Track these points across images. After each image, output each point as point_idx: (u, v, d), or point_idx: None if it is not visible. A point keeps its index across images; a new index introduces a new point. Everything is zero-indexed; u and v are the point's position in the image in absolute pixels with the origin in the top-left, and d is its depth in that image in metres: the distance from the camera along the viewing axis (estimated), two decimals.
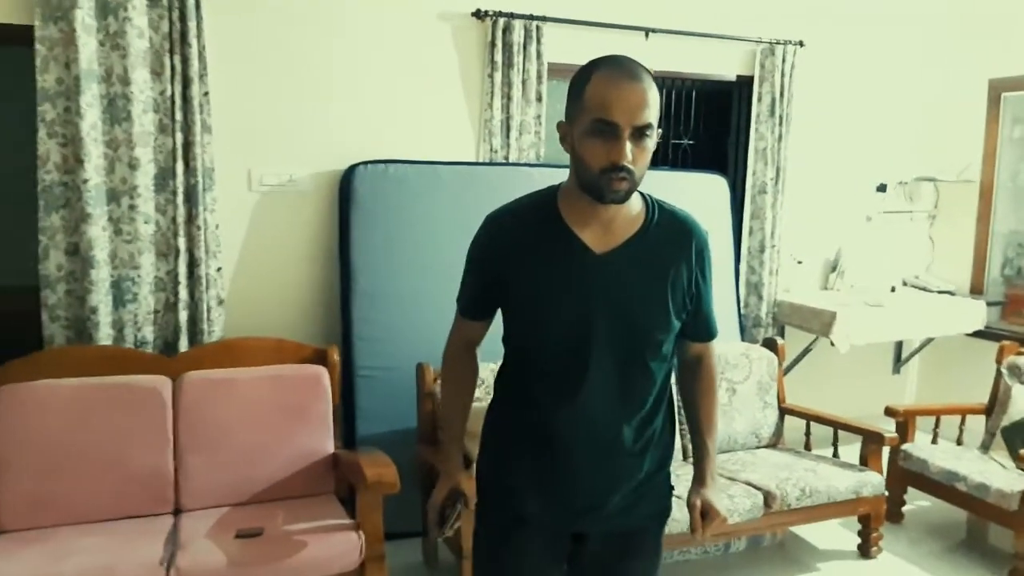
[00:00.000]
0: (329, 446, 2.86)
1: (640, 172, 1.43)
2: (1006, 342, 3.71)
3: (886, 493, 3.16)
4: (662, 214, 1.55)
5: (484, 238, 1.58)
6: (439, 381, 1.71)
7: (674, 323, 1.55)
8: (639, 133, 1.39)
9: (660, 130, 1.45)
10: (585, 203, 1.47)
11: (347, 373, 3.13)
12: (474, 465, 1.72)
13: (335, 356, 3.00)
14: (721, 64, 3.97)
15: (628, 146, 1.39)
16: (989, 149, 4.29)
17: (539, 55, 3.46)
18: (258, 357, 2.91)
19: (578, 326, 1.50)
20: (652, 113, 1.40)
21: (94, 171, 2.81)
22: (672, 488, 1.69)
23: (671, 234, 1.54)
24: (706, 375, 1.70)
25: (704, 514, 1.62)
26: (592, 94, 1.40)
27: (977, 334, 4.12)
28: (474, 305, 1.64)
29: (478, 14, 3.37)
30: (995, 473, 3.15)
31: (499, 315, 1.61)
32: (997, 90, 4.24)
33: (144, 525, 2.53)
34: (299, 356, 2.98)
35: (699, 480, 1.67)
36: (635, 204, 1.52)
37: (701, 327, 1.63)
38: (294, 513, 2.62)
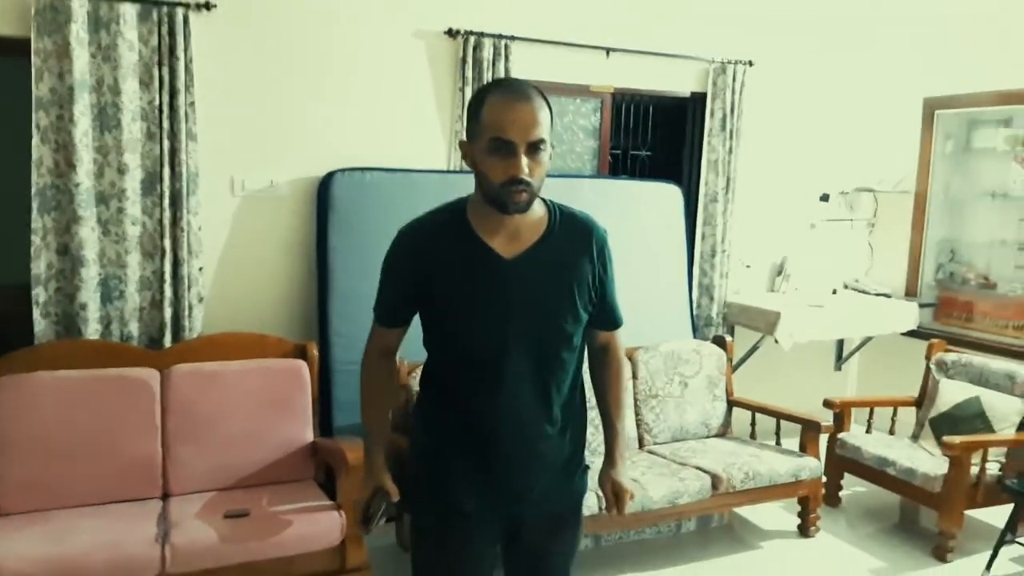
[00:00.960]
0: (309, 435, 3.05)
1: (538, 182, 1.54)
2: (935, 340, 4.04)
3: (823, 478, 3.45)
4: (563, 217, 1.66)
5: (399, 250, 1.65)
6: (362, 383, 1.78)
7: (582, 316, 1.66)
8: (533, 148, 1.51)
9: (553, 145, 1.57)
10: (492, 213, 1.57)
11: (324, 367, 3.31)
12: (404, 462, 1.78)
13: (314, 351, 3.19)
14: (677, 81, 4.23)
15: (524, 160, 1.50)
16: (923, 162, 4.63)
17: (507, 71, 3.68)
18: (242, 351, 3.08)
19: (494, 327, 1.59)
20: (544, 129, 1.52)
21: (85, 175, 2.96)
22: (588, 467, 1.80)
23: (573, 235, 1.66)
24: (613, 362, 1.81)
25: (616, 492, 1.75)
26: (488, 115, 1.51)
27: (911, 333, 4.44)
28: (390, 314, 1.70)
29: (451, 32, 3.59)
30: (922, 459, 3.45)
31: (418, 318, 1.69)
32: (931, 108, 4.58)
33: (136, 508, 2.69)
34: (280, 351, 3.16)
35: (609, 461, 1.79)
36: (538, 210, 1.63)
37: (607, 317, 1.75)
38: (277, 496, 2.80)
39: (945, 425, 3.63)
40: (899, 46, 4.62)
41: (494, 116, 1.51)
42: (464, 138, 1.62)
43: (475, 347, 1.62)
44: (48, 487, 2.65)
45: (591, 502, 2.79)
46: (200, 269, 3.22)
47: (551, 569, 1.79)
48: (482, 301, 1.60)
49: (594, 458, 1.99)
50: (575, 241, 1.66)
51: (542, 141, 1.52)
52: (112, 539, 2.40)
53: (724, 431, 3.74)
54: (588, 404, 1.81)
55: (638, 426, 3.56)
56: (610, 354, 1.82)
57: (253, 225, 3.38)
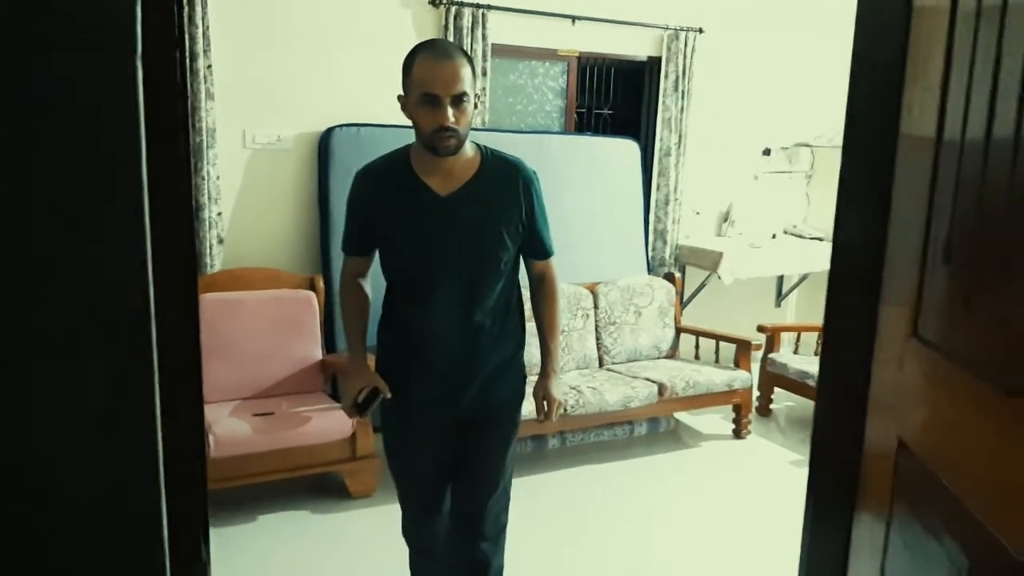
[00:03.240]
0: (318, 353, 3.59)
1: (464, 129, 1.73)
2: None
3: (756, 391, 4.07)
4: (495, 160, 1.87)
5: (355, 191, 1.89)
6: (341, 303, 2.03)
7: (508, 244, 1.86)
8: (457, 100, 1.69)
9: (478, 95, 1.76)
10: (428, 156, 1.78)
11: (328, 298, 3.83)
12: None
13: (321, 283, 3.71)
14: (635, 46, 4.73)
15: (450, 111, 1.69)
16: None
17: (484, 37, 4.16)
18: (259, 284, 3.59)
19: (431, 253, 1.82)
20: (466, 84, 1.70)
21: None
22: (525, 377, 2.04)
23: (502, 175, 1.86)
24: (547, 287, 2.02)
25: (547, 400, 2.00)
26: (417, 72, 1.71)
27: None
28: (353, 245, 1.95)
29: (433, 2, 4.05)
30: None
31: None
32: None
33: None
34: (293, 283, 3.67)
35: (543, 374, 2.03)
36: (470, 153, 1.84)
37: (537, 247, 1.96)
38: (295, 402, 3.34)
39: None
40: (833, 14, 5.14)
41: (422, 73, 1.71)
42: (401, 93, 1.81)
43: (413, 270, 1.85)
44: None
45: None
46: (219, 214, 3.69)
47: (487, 460, 2.01)
48: (419, 231, 1.81)
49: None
50: (504, 180, 1.86)
51: (464, 94, 1.71)
52: None
53: (672, 353, 4.34)
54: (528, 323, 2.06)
55: (598, 348, 4.14)
56: (544, 282, 2.02)
57: (263, 175, 3.86)
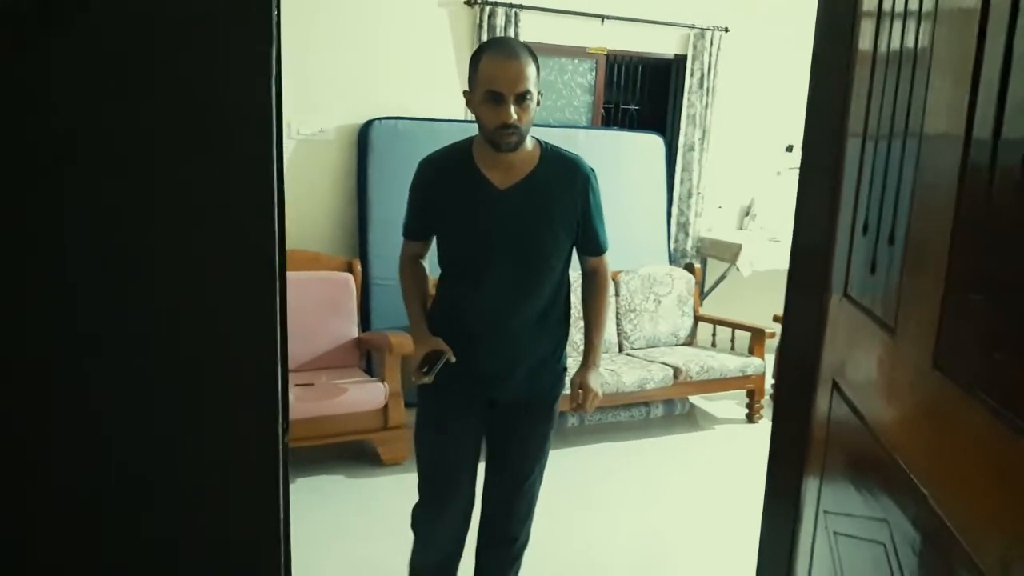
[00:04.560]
0: (355, 331, 3.85)
1: (525, 127, 1.77)
2: None
3: (769, 377, 4.23)
4: (554, 157, 1.91)
5: (418, 179, 1.95)
6: (401, 282, 2.08)
7: (561, 239, 1.91)
8: (520, 98, 1.73)
9: (540, 93, 1.79)
10: (489, 150, 1.82)
11: (365, 281, 4.08)
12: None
13: (358, 267, 3.97)
14: (662, 44, 4.90)
15: (513, 109, 1.73)
16: None
17: (516, 35, 4.37)
18: (301, 265, 3.85)
19: (485, 243, 1.86)
20: (530, 83, 1.73)
21: None
22: (565, 370, 2.08)
23: (560, 172, 1.91)
24: (596, 285, 2.07)
25: (583, 390, 2.02)
26: (483, 70, 1.74)
27: None
28: (412, 230, 2.03)
29: (469, 2, 4.27)
30: None
31: None
32: None
33: None
34: (332, 265, 3.94)
35: (583, 365, 2.05)
36: (531, 149, 1.88)
37: (591, 244, 2.01)
38: (333, 375, 3.61)
39: None
40: None
41: (488, 71, 1.74)
42: (467, 88, 1.86)
43: (467, 258, 1.90)
44: None
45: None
46: None
47: (523, 451, 2.06)
48: (476, 221, 1.87)
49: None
50: (562, 176, 1.91)
51: (528, 92, 1.75)
52: None
53: (690, 341, 4.52)
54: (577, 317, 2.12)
55: (618, 334, 4.34)
56: (595, 278, 2.07)
57: (306, 163, 4.13)
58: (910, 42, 0.97)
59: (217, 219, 0.81)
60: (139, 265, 0.80)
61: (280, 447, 0.97)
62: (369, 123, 4.11)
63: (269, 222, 0.78)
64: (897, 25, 1.04)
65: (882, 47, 1.10)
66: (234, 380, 0.87)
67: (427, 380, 1.88)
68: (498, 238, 1.86)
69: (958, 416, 0.76)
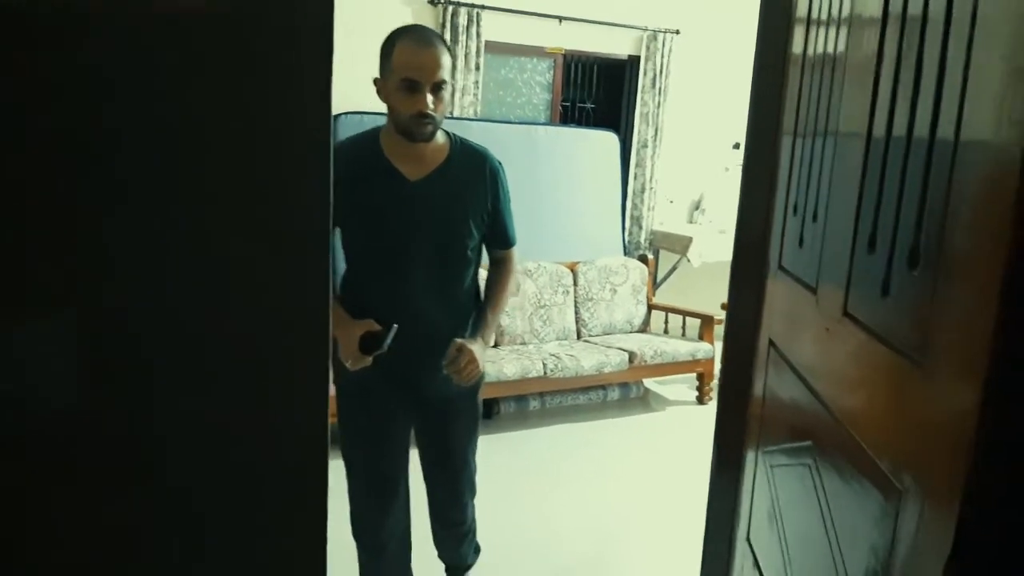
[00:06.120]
0: None
1: (440, 116, 1.73)
2: None
3: (718, 361, 4.48)
4: (464, 149, 1.87)
5: None
6: None
7: (473, 232, 1.87)
8: (436, 87, 1.69)
9: (453, 82, 1.80)
10: (400, 140, 1.76)
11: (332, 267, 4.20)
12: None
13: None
14: (616, 45, 5.12)
15: (429, 98, 1.68)
16: None
17: (478, 35, 4.54)
18: None
19: (398, 236, 1.79)
20: (445, 72, 1.69)
21: None
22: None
23: (470, 164, 1.87)
24: (504, 270, 2.02)
25: (459, 348, 1.83)
26: (398, 57, 1.68)
27: None
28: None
29: (432, 2, 4.42)
30: None
31: None
32: None
33: None
34: None
35: (471, 335, 1.92)
36: (441, 142, 1.83)
37: (501, 236, 1.97)
38: None
39: None
40: None
41: (403, 59, 1.68)
42: (377, 76, 1.78)
43: (379, 252, 1.83)
44: None
45: (537, 368, 3.80)
46: None
47: (454, 446, 2.05)
48: (388, 214, 1.79)
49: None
50: (471, 168, 1.87)
51: (444, 82, 1.71)
52: None
53: (644, 328, 4.75)
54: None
55: (576, 322, 4.55)
56: (502, 266, 2.03)
57: None
58: (831, 47, 1.17)
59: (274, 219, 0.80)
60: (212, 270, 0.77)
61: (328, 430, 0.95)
62: (336, 117, 4.23)
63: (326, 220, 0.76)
64: (821, 31, 1.24)
65: (809, 51, 1.30)
66: (287, 362, 0.83)
67: (367, 363, 1.76)
68: (413, 231, 1.82)
69: (865, 354, 0.96)
